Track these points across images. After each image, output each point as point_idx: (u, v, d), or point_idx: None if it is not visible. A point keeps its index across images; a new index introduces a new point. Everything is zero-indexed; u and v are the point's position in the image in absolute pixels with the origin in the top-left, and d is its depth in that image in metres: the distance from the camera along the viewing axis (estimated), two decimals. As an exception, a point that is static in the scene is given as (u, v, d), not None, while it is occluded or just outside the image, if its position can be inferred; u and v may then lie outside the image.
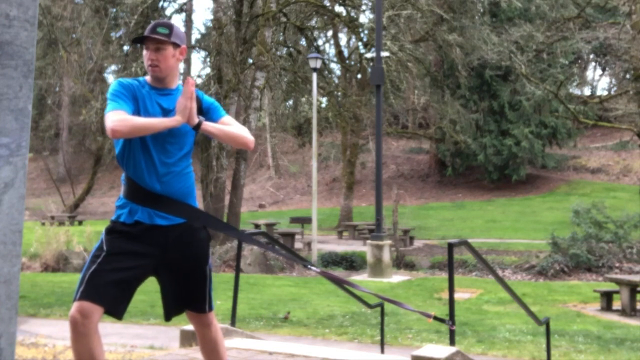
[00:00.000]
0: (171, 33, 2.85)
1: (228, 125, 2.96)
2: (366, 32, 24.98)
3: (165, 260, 2.85)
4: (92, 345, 2.70)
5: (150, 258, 2.83)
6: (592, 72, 45.71)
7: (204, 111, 2.96)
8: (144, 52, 2.88)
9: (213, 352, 3.08)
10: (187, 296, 2.94)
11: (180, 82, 3.00)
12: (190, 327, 4.85)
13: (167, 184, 2.85)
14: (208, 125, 2.84)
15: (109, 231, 2.85)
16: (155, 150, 2.82)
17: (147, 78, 2.92)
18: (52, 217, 25.54)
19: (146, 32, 2.85)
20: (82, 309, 2.70)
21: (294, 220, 24.67)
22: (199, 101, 2.94)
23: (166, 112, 2.86)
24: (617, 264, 15.89)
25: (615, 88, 40.67)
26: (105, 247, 2.81)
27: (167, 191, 2.84)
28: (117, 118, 2.68)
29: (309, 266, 3.57)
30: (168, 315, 3.00)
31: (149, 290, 4.97)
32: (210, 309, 3.01)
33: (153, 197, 2.82)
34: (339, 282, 4.31)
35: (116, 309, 2.79)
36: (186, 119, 2.77)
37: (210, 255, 3.02)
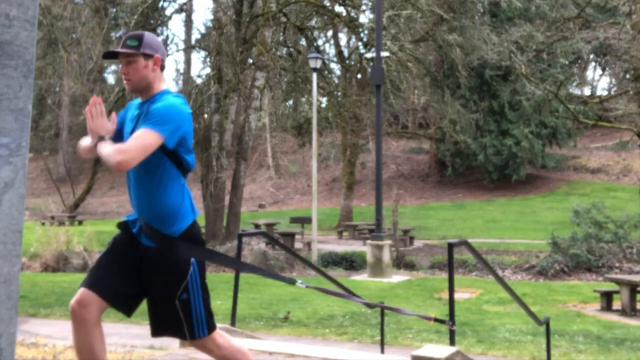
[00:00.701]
0: (140, 44, 2.80)
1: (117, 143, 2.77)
2: (366, 32, 24.98)
3: (143, 277, 2.87)
4: (92, 339, 2.72)
5: (139, 267, 2.87)
6: (592, 72, 45.75)
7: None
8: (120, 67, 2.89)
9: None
10: (159, 319, 2.90)
11: (165, 85, 2.96)
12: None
13: (139, 205, 2.86)
14: (99, 147, 2.75)
15: (118, 226, 2.99)
16: (132, 173, 2.86)
17: None
18: (52, 217, 25.53)
19: (118, 46, 2.86)
20: (80, 298, 2.77)
21: (294, 220, 24.67)
22: (148, 108, 2.83)
23: (135, 124, 2.89)
24: (617, 264, 15.89)
25: (615, 88, 40.68)
26: (111, 241, 2.94)
27: (139, 212, 2.86)
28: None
29: (297, 283, 3.52)
30: (152, 332, 2.98)
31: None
32: (194, 336, 2.86)
33: (139, 217, 2.89)
34: (335, 294, 4.30)
35: (118, 301, 2.83)
36: (93, 140, 2.79)
37: (185, 286, 2.82)
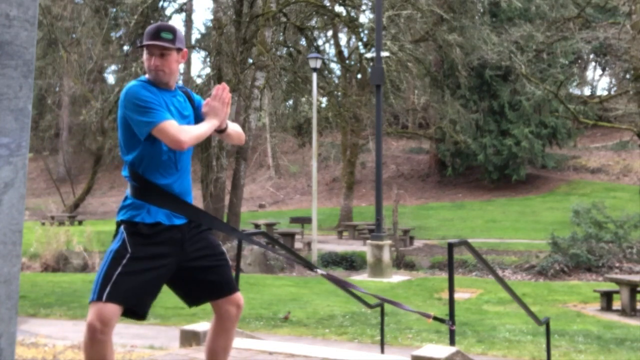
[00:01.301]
0: (175, 38, 2.86)
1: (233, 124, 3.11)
2: (366, 32, 24.99)
3: (186, 256, 2.90)
4: (106, 352, 2.69)
5: (172, 257, 2.86)
6: (592, 72, 45.76)
7: (197, 106, 3.04)
8: (145, 55, 2.88)
9: (230, 333, 3.07)
10: (217, 281, 2.98)
11: (180, 82, 3.04)
12: (190, 327, 4.85)
13: (181, 184, 2.93)
14: (229, 128, 3.03)
15: (132, 233, 2.82)
16: (173, 153, 2.88)
17: (148, 78, 2.91)
18: (52, 217, 25.53)
19: (150, 37, 2.84)
20: (103, 315, 2.64)
21: (294, 220, 24.67)
22: (191, 98, 3.04)
23: (180, 113, 2.92)
24: (617, 264, 15.90)
25: (615, 88, 40.68)
26: (129, 249, 2.77)
27: (181, 192, 2.92)
28: (181, 130, 2.79)
29: (316, 270, 3.56)
30: (195, 302, 3.04)
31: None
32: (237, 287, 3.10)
33: (171, 198, 2.87)
34: (342, 285, 4.31)
35: (141, 310, 2.79)
36: (221, 121, 2.93)
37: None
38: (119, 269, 2.72)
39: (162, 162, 2.86)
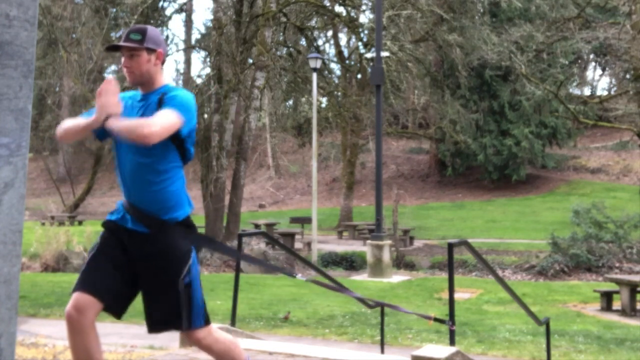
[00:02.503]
0: (144, 38, 2.83)
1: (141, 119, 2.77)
2: (366, 32, 24.98)
3: (138, 269, 2.85)
4: (88, 342, 2.72)
5: (130, 262, 2.85)
6: (592, 72, 45.76)
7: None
8: (122, 59, 2.89)
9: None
10: (157, 311, 2.84)
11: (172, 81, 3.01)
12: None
13: (140, 191, 2.84)
14: (111, 122, 2.66)
15: (103, 225, 2.96)
16: (132, 157, 2.83)
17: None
18: (52, 217, 25.54)
19: (120, 39, 2.86)
20: (77, 303, 2.73)
21: (294, 220, 24.67)
22: (163, 96, 2.85)
23: (138, 112, 2.88)
24: (617, 264, 15.90)
25: (615, 88, 40.67)
26: (98, 241, 2.91)
27: (139, 199, 2.84)
28: (62, 124, 2.86)
29: (297, 276, 3.55)
30: (148, 328, 2.91)
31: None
32: (191, 326, 2.83)
33: (128, 203, 2.88)
34: (334, 289, 4.31)
35: (111, 303, 2.80)
36: (98, 117, 2.68)
37: (188, 270, 2.83)
38: (87, 261, 2.89)
39: (120, 165, 2.91)
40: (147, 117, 2.74)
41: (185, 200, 2.92)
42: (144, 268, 2.82)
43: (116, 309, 2.85)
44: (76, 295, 2.75)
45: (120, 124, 2.66)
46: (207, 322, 2.90)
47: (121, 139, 2.76)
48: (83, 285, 2.78)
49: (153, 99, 2.85)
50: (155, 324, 2.86)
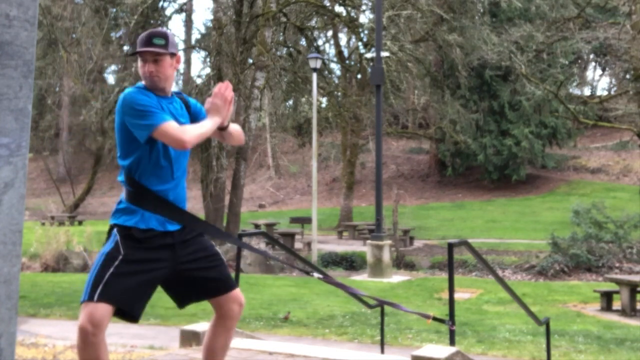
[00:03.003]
0: (167, 43, 2.86)
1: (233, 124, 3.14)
2: (366, 32, 24.98)
3: (179, 259, 2.89)
4: (99, 353, 2.68)
5: (164, 262, 2.86)
6: (592, 72, 45.74)
7: (193, 111, 3.05)
8: (140, 62, 2.88)
9: (230, 332, 3.08)
10: (215, 279, 2.98)
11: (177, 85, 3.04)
12: (190, 327, 4.85)
13: (176, 191, 2.94)
14: (230, 127, 3.03)
15: (125, 236, 2.82)
16: (173, 159, 2.90)
17: (144, 85, 2.91)
18: (52, 217, 25.54)
19: (142, 44, 2.85)
20: (94, 317, 2.64)
21: (294, 220, 24.67)
22: (188, 104, 3.05)
23: (177, 119, 2.90)
24: (617, 264, 15.90)
25: (615, 88, 40.67)
26: (122, 251, 2.78)
27: (176, 199, 2.93)
28: (183, 130, 2.78)
29: (312, 273, 3.58)
30: (187, 302, 3.04)
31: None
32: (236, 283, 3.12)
33: (166, 204, 2.87)
34: (341, 287, 4.31)
35: (133, 311, 2.79)
36: (223, 118, 2.92)
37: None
38: (111, 270, 2.73)
39: (159, 167, 2.86)
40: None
41: None
42: (186, 254, 2.91)
43: (136, 317, 2.84)
44: (92, 307, 2.66)
45: (237, 129, 3.12)
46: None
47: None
48: (106, 295, 2.69)
49: (177, 104, 2.98)
50: (212, 292, 3.00)
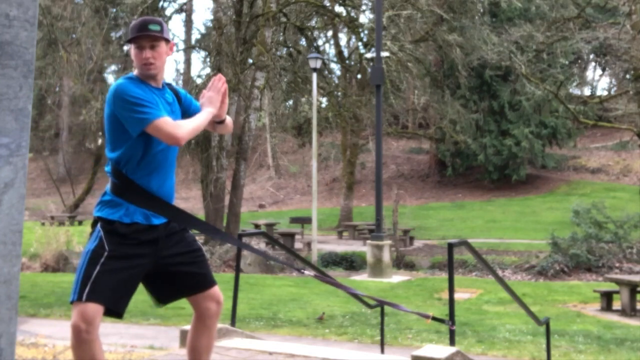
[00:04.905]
0: (162, 29, 2.85)
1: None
2: (366, 32, 24.97)
3: (161, 253, 2.88)
4: (94, 351, 2.69)
5: (148, 257, 2.85)
6: (592, 72, 45.73)
7: (183, 102, 3.04)
8: (134, 50, 2.84)
9: (212, 331, 3.05)
10: (193, 275, 2.97)
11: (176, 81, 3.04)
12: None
13: (164, 186, 2.91)
14: (227, 118, 3.08)
15: (109, 231, 2.81)
16: (162, 153, 2.88)
17: (136, 75, 2.86)
18: (52, 217, 25.53)
19: (137, 30, 2.82)
20: (86, 315, 2.65)
21: (294, 220, 24.66)
22: (179, 96, 3.04)
23: (171, 108, 2.90)
24: (617, 264, 15.89)
25: (615, 88, 40.67)
26: (107, 247, 2.77)
27: (163, 193, 2.89)
28: (176, 125, 2.77)
29: (302, 271, 3.58)
30: (167, 300, 3.02)
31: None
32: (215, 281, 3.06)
33: (152, 198, 2.83)
34: (337, 285, 4.31)
35: (119, 309, 2.79)
36: (218, 110, 2.96)
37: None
38: (98, 268, 2.72)
39: (147, 161, 2.84)
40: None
41: None
42: (169, 249, 2.91)
43: (121, 313, 2.84)
44: (82, 307, 2.68)
45: (230, 120, 3.14)
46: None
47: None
48: (94, 294, 2.70)
49: (168, 95, 2.95)
50: (191, 288, 2.99)
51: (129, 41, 2.86)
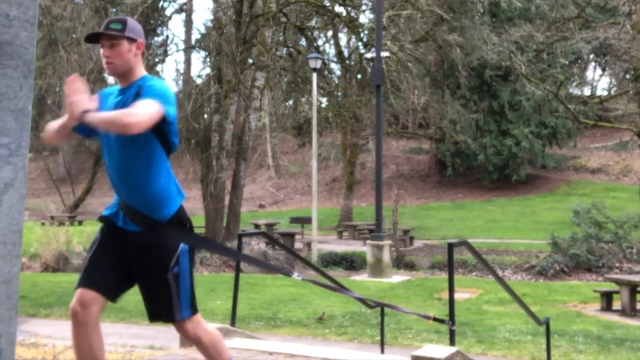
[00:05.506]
0: (125, 28, 2.80)
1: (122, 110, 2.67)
2: (366, 32, 24.97)
3: (131, 265, 2.88)
4: (92, 338, 2.73)
5: (126, 256, 2.88)
6: (592, 72, 45.71)
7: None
8: (101, 50, 2.84)
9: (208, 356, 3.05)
10: (151, 304, 2.92)
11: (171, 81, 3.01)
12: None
13: (128, 190, 2.85)
14: (90, 116, 2.57)
15: (100, 220, 2.99)
16: (116, 157, 2.83)
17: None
18: (52, 217, 25.51)
19: (100, 29, 2.82)
20: (81, 298, 2.76)
21: (294, 220, 24.66)
22: (140, 88, 2.80)
23: (117, 105, 2.83)
24: (617, 264, 15.89)
25: (615, 88, 40.65)
26: (99, 238, 2.93)
27: (127, 197, 2.86)
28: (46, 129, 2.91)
29: (293, 275, 3.57)
30: (148, 318, 3.01)
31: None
32: (182, 317, 2.88)
33: (122, 202, 2.89)
34: (332, 288, 4.31)
35: (110, 292, 2.84)
36: (72, 115, 2.62)
37: (176, 260, 2.85)
38: (88, 257, 2.90)
39: (109, 166, 2.89)
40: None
41: (175, 192, 2.90)
42: (136, 262, 2.86)
43: (113, 296, 2.89)
44: (80, 291, 2.79)
45: (99, 116, 2.59)
46: (194, 311, 2.94)
47: (105, 134, 2.78)
48: (86, 280, 2.81)
49: (131, 92, 2.80)
50: (152, 317, 2.96)
51: (92, 39, 2.85)
